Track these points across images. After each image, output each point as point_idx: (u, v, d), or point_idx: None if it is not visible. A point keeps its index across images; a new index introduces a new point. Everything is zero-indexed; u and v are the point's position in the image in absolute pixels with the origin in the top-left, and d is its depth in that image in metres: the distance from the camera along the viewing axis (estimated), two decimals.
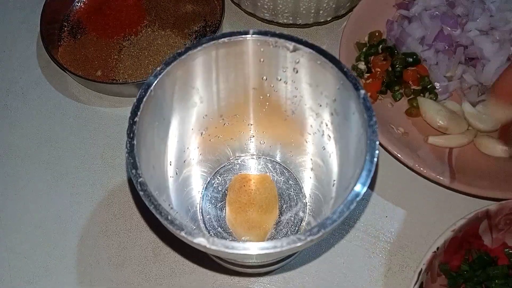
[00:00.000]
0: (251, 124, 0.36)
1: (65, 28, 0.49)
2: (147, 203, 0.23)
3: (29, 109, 0.46)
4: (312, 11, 0.45)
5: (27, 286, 0.38)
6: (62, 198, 0.41)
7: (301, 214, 0.37)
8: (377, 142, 0.25)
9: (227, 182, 0.38)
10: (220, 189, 0.37)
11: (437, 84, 0.43)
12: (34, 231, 0.40)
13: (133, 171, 0.24)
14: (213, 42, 0.28)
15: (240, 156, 0.38)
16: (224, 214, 0.37)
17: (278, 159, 0.38)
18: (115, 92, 0.45)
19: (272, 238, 0.36)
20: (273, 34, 0.28)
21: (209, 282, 0.37)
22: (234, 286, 0.37)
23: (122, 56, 0.46)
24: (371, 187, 0.40)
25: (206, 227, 0.37)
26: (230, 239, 0.35)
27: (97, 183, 0.42)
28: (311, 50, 0.28)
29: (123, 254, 0.39)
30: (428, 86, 0.42)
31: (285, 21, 0.46)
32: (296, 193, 0.38)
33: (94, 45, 0.47)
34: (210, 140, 0.36)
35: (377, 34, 0.45)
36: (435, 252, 0.34)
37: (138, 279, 0.38)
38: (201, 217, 0.37)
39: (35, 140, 0.44)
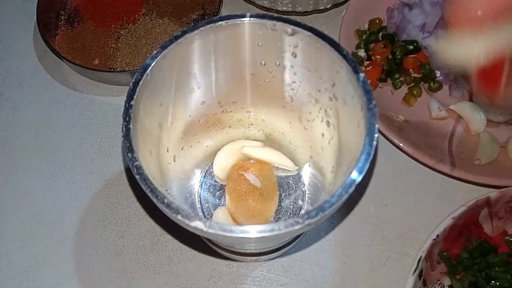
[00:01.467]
0: (250, 112, 0.36)
1: (62, 17, 0.49)
2: (143, 186, 0.23)
3: (26, 98, 0.46)
4: None
5: (24, 275, 0.38)
6: (59, 187, 0.41)
7: (300, 202, 0.37)
8: (376, 126, 0.24)
9: None
10: None
11: (438, 72, 0.42)
12: (31, 220, 0.40)
13: (129, 154, 0.24)
14: (210, 25, 0.27)
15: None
16: (222, 202, 0.37)
17: (278, 147, 0.38)
18: (113, 80, 0.45)
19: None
20: (271, 17, 0.28)
21: (207, 270, 0.37)
22: (232, 274, 0.37)
23: (119, 44, 0.46)
24: (370, 173, 0.40)
25: (204, 215, 0.36)
26: None
27: (95, 172, 0.42)
28: (309, 33, 0.27)
29: (121, 243, 0.38)
30: (429, 74, 0.42)
31: (284, 8, 0.46)
32: (295, 181, 0.38)
33: (92, 34, 0.47)
34: (208, 127, 0.35)
35: (377, 21, 0.44)
36: (434, 239, 0.33)
37: (136, 267, 0.37)
38: (200, 205, 0.37)
39: (32, 129, 0.44)
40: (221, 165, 0.36)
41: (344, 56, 0.26)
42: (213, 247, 0.37)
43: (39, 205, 0.40)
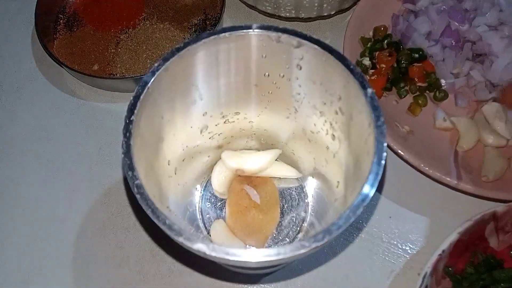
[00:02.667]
0: (252, 122, 0.35)
1: (61, 21, 0.48)
2: (144, 207, 0.22)
3: (24, 104, 0.45)
4: (316, 4, 0.43)
5: (22, 284, 0.37)
6: (57, 196, 0.40)
7: (302, 214, 0.37)
8: (385, 144, 0.24)
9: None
10: None
11: (443, 81, 0.42)
12: (29, 228, 0.39)
13: (130, 172, 0.23)
14: (214, 37, 0.27)
15: None
16: (223, 214, 0.36)
17: (279, 157, 0.37)
18: (112, 87, 0.44)
19: (273, 238, 0.35)
20: (277, 29, 0.27)
21: (207, 284, 0.36)
22: None
23: (119, 49, 0.45)
24: (379, 190, 0.39)
25: (205, 227, 0.36)
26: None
27: (94, 180, 0.41)
28: (316, 46, 0.26)
29: (120, 254, 0.38)
30: (434, 83, 0.41)
31: (287, 14, 0.45)
32: (298, 192, 0.37)
33: (91, 38, 0.46)
34: (210, 138, 0.35)
35: (382, 28, 0.43)
36: (440, 255, 0.33)
37: (135, 279, 0.37)
38: (201, 217, 0.36)
39: (30, 136, 0.43)
40: (219, 179, 0.35)
41: (351, 71, 0.26)
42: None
43: (37, 214, 0.40)
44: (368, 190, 0.23)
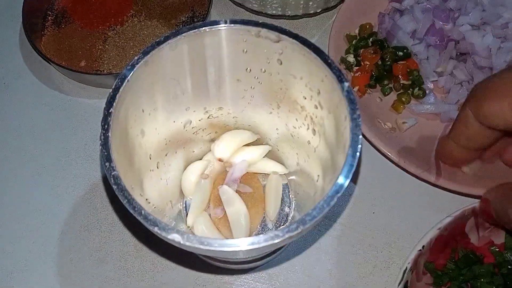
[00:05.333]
0: (236, 117, 0.35)
1: (49, 17, 0.48)
2: (120, 197, 0.23)
3: (10, 99, 0.45)
4: (302, 2, 0.44)
5: (6, 280, 0.37)
6: (43, 191, 0.40)
7: (286, 209, 0.37)
8: (360, 136, 0.24)
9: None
10: None
11: (427, 80, 0.42)
12: (13, 224, 0.39)
13: (107, 164, 0.23)
14: (193, 31, 0.27)
15: None
16: (208, 208, 0.36)
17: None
18: (99, 83, 0.44)
19: (257, 234, 0.35)
20: (256, 24, 0.27)
21: (192, 278, 0.37)
22: (217, 283, 0.36)
23: (107, 46, 0.45)
24: (355, 181, 0.40)
25: None
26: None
27: (79, 176, 0.41)
28: (294, 41, 0.27)
29: (104, 249, 0.38)
30: (417, 80, 0.41)
31: (273, 12, 0.45)
32: (282, 188, 0.37)
33: (79, 35, 0.46)
34: (193, 133, 0.35)
35: (367, 26, 0.44)
36: (420, 250, 0.33)
37: (119, 274, 0.37)
38: (185, 212, 0.36)
39: (16, 132, 0.43)
40: (190, 180, 0.35)
41: (329, 65, 0.26)
42: (198, 255, 0.36)
43: (22, 209, 0.40)
44: (343, 181, 0.23)
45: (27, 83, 0.46)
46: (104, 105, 0.45)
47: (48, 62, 0.44)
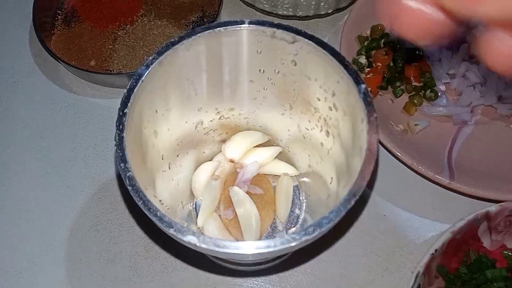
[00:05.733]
0: (248, 118, 0.35)
1: (59, 16, 0.48)
2: (135, 199, 0.22)
3: (20, 98, 0.45)
4: (313, 3, 0.43)
5: (15, 279, 0.37)
6: (52, 191, 0.40)
7: (297, 211, 0.37)
8: (377, 139, 0.24)
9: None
10: None
11: (439, 82, 0.42)
12: (22, 223, 0.39)
13: (122, 164, 0.23)
14: (208, 31, 0.27)
15: None
16: (218, 210, 0.36)
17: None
18: (109, 83, 0.44)
19: (267, 236, 0.35)
20: (271, 25, 0.27)
21: (202, 279, 0.36)
22: (227, 284, 0.36)
23: (116, 46, 0.45)
24: (370, 186, 0.39)
25: None
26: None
27: (89, 176, 0.41)
28: (310, 42, 0.26)
29: (114, 249, 0.38)
30: (429, 82, 0.41)
31: (284, 12, 0.45)
32: (293, 190, 0.37)
33: (88, 34, 0.46)
34: (205, 133, 0.35)
35: (379, 27, 0.43)
36: (433, 254, 0.33)
37: (129, 275, 0.37)
38: (195, 213, 0.36)
39: (25, 131, 0.43)
40: (200, 181, 0.35)
41: (345, 66, 0.26)
42: (208, 256, 0.36)
43: (31, 209, 0.40)
44: (360, 184, 0.23)
45: (37, 82, 0.46)
46: (114, 105, 0.45)
47: (57, 61, 0.44)
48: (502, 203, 0.34)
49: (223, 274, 0.36)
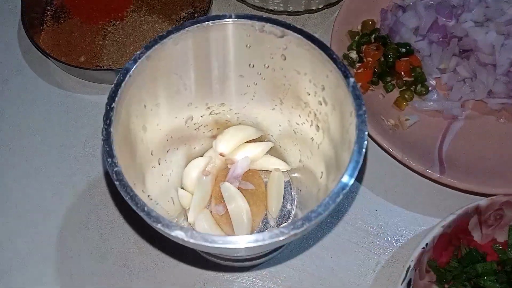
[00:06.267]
0: (238, 114, 0.35)
1: (48, 12, 0.47)
2: (122, 193, 0.22)
3: (9, 95, 0.44)
4: None
5: (4, 277, 0.36)
6: (42, 188, 0.40)
7: (288, 206, 0.37)
8: (366, 132, 0.24)
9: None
10: None
11: (429, 76, 0.42)
12: (12, 221, 0.39)
13: (109, 159, 0.23)
14: (197, 25, 0.27)
15: None
16: (209, 205, 0.36)
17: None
18: (99, 79, 0.44)
19: (259, 232, 0.35)
20: (260, 19, 0.27)
21: (193, 276, 0.36)
22: (218, 280, 0.36)
23: (106, 42, 0.45)
24: (359, 179, 0.39)
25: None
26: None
27: (79, 173, 0.40)
28: (299, 36, 0.26)
29: (104, 246, 0.37)
30: (420, 77, 0.41)
31: (275, 7, 0.45)
32: (284, 185, 0.37)
33: (78, 30, 0.46)
34: (195, 129, 0.34)
35: (370, 23, 0.43)
36: (424, 248, 0.33)
37: (120, 272, 0.36)
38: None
39: (15, 128, 0.43)
40: (191, 177, 0.35)
41: (334, 60, 0.25)
42: (200, 252, 0.36)
43: (21, 206, 0.39)
44: (348, 178, 0.23)
45: (26, 79, 0.45)
46: (104, 101, 0.45)
47: (47, 57, 0.44)
48: (492, 197, 0.35)
49: (215, 270, 0.36)
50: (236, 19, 0.27)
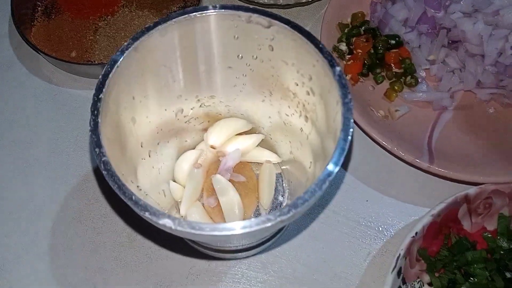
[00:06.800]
0: (229, 106, 0.35)
1: (39, 8, 0.47)
2: (110, 183, 0.22)
3: (0, 91, 0.44)
4: None
5: None
6: (34, 183, 0.40)
7: (280, 198, 0.37)
8: (352, 120, 0.24)
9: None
10: None
11: (419, 68, 0.42)
12: (5, 216, 0.39)
13: (97, 149, 0.23)
14: (184, 16, 0.27)
15: None
16: (201, 198, 0.36)
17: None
18: (90, 74, 0.44)
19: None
20: (247, 9, 0.27)
21: (186, 267, 0.36)
22: (211, 271, 0.36)
23: (97, 37, 0.45)
24: (350, 170, 0.40)
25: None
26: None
27: (71, 167, 0.41)
28: (286, 26, 0.26)
29: (97, 240, 0.38)
30: (409, 69, 0.41)
31: (265, 1, 0.45)
32: (275, 177, 0.37)
33: (69, 25, 0.46)
34: (186, 122, 0.35)
35: (360, 15, 0.44)
36: (413, 237, 0.33)
37: (113, 265, 0.37)
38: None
39: (6, 123, 0.43)
40: (182, 170, 0.35)
41: (320, 49, 0.26)
42: (192, 244, 0.36)
43: (14, 201, 0.39)
44: (333, 165, 0.23)
45: (17, 75, 0.45)
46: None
47: (38, 53, 0.44)
48: (481, 185, 0.35)
49: (207, 261, 0.36)
50: (222, 10, 0.27)
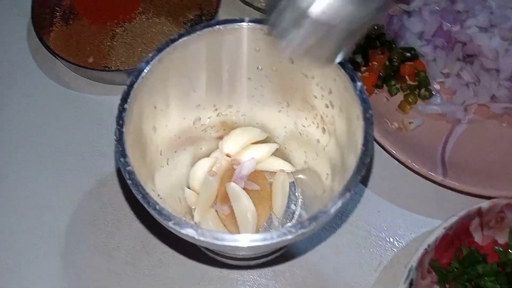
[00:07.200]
0: (245, 115, 0.36)
1: (57, 13, 0.48)
2: (135, 192, 0.23)
3: (17, 94, 0.45)
4: None
5: (11, 274, 0.37)
6: (49, 186, 0.40)
7: (293, 207, 0.37)
8: (372, 135, 0.24)
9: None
10: None
11: (433, 81, 0.42)
12: (19, 218, 0.39)
13: (122, 159, 0.24)
14: (208, 29, 0.27)
15: None
16: (215, 205, 0.36)
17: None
18: (107, 79, 0.44)
19: (263, 231, 0.36)
20: None
21: (198, 274, 0.37)
22: (223, 279, 0.37)
23: (115, 43, 0.46)
24: (365, 182, 0.40)
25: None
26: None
27: (86, 171, 0.41)
28: None
29: (111, 244, 0.38)
30: (423, 81, 0.42)
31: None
32: (288, 185, 0.37)
33: (87, 31, 0.46)
34: (202, 130, 0.35)
35: (376, 27, 0.44)
36: (426, 249, 0.33)
37: (126, 269, 0.37)
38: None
39: (23, 127, 0.43)
40: (197, 177, 0.36)
41: (342, 64, 0.26)
42: (205, 251, 0.36)
43: (28, 204, 0.40)
44: (355, 179, 0.23)
45: (35, 79, 0.46)
46: (111, 101, 0.45)
47: (55, 57, 0.44)
48: (494, 200, 0.35)
49: (219, 268, 0.37)
50: (247, 24, 0.27)
